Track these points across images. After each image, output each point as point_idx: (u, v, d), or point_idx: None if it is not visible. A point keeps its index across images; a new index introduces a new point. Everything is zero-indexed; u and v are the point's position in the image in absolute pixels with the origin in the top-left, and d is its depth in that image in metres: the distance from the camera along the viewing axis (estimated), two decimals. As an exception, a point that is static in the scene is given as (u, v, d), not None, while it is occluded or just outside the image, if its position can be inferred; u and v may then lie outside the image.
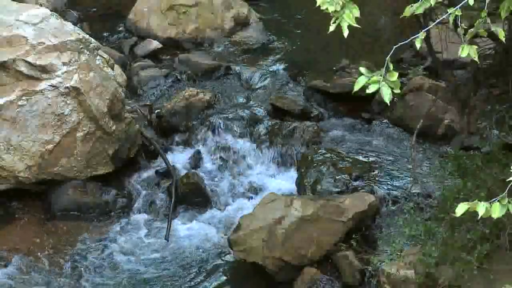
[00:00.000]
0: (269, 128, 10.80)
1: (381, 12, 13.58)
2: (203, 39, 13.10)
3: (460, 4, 4.63)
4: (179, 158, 10.60)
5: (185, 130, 10.92)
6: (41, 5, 11.58)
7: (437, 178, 8.47)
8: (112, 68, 10.25)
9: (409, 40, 4.80)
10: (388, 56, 4.56)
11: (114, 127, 9.91)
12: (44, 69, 9.49)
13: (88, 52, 9.80)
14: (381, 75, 4.53)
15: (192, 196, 10.00)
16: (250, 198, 10.06)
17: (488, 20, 4.76)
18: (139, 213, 9.90)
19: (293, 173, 10.23)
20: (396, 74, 4.55)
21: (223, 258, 9.21)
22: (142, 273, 9.00)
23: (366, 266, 8.42)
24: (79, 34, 9.87)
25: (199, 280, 8.93)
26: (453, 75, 9.74)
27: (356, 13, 4.66)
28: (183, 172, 10.24)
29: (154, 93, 11.65)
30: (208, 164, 10.56)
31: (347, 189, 9.53)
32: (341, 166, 9.88)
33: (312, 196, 9.38)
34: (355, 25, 4.65)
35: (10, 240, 9.34)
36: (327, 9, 4.63)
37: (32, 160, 9.59)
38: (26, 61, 9.45)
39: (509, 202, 4.45)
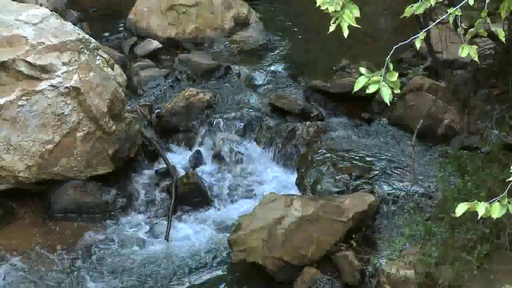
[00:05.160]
0: (269, 128, 10.80)
1: (381, 12, 13.58)
2: (203, 39, 13.10)
3: (460, 4, 4.63)
4: (179, 158, 10.60)
5: (185, 130, 10.92)
6: (41, 5, 11.57)
7: (437, 178, 8.46)
8: (112, 68, 10.25)
9: (409, 40, 4.80)
10: (388, 56, 4.56)
11: (114, 127, 9.91)
12: (44, 69, 9.49)
13: (88, 52, 9.80)
14: (381, 75, 4.53)
15: (192, 196, 10.01)
16: (250, 198, 10.07)
17: (488, 20, 4.76)
18: (139, 213, 9.90)
19: (293, 173, 10.23)
20: (396, 74, 4.55)
21: (223, 258, 9.21)
22: (142, 273, 8.99)
23: (366, 266, 8.42)
24: (79, 34, 9.87)
25: (199, 280, 8.93)
26: (453, 75, 9.74)
27: (356, 13, 4.66)
28: (183, 172, 10.24)
29: (154, 93, 11.65)
30: (208, 164, 10.57)
31: (347, 189, 9.52)
32: (341, 166, 9.87)
33: (312, 196, 9.38)
34: (355, 25, 4.65)
35: (10, 240, 9.33)
36: (327, 9, 4.63)
37: (32, 160, 9.59)
38: (26, 61, 9.44)
39: (509, 202, 4.45)
